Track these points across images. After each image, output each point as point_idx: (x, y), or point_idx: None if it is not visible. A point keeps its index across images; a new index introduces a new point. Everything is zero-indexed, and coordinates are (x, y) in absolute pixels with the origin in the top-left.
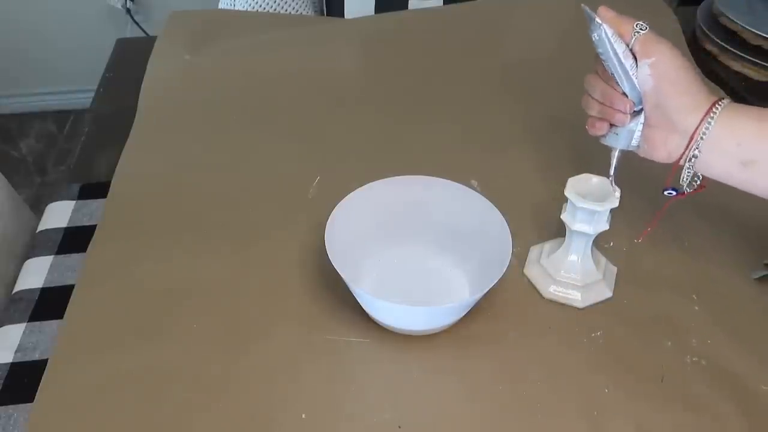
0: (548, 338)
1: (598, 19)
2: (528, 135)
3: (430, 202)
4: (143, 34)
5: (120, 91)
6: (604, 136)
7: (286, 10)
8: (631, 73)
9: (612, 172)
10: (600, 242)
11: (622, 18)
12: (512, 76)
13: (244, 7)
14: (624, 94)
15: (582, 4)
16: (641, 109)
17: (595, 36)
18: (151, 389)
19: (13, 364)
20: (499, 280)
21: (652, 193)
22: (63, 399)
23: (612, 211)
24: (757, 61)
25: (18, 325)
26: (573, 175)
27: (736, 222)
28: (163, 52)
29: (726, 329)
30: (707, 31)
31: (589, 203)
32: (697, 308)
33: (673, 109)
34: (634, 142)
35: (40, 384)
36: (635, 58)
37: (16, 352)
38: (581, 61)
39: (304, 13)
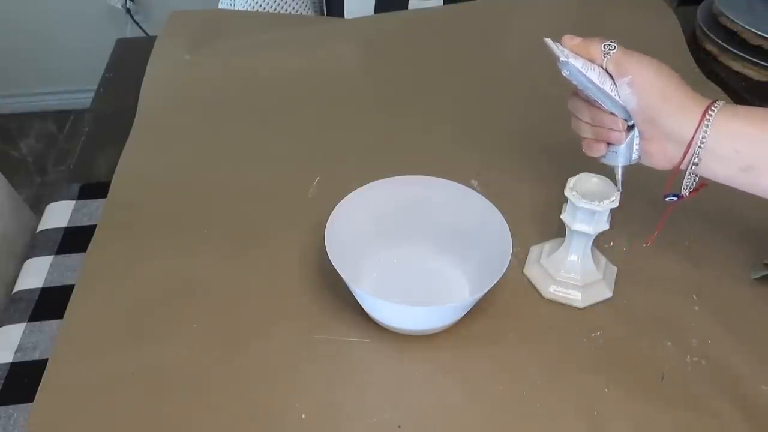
0: (548, 338)
1: (563, 57)
2: (528, 135)
3: (430, 202)
4: (143, 34)
5: (120, 91)
6: (603, 155)
7: (286, 10)
8: (612, 95)
9: (620, 187)
10: (600, 242)
11: (588, 41)
12: (512, 76)
13: (244, 7)
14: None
15: (545, 38)
16: (634, 124)
17: (565, 72)
18: (151, 389)
19: (13, 364)
20: (499, 280)
21: (652, 193)
22: (63, 399)
23: (612, 211)
24: (757, 61)
25: (18, 325)
26: (573, 175)
27: (737, 222)
28: (163, 52)
29: (726, 329)
30: (707, 31)
31: (589, 203)
32: (697, 308)
33: (664, 120)
34: (634, 156)
35: (40, 384)
36: (612, 77)
37: (16, 352)
38: None
39: (304, 13)
